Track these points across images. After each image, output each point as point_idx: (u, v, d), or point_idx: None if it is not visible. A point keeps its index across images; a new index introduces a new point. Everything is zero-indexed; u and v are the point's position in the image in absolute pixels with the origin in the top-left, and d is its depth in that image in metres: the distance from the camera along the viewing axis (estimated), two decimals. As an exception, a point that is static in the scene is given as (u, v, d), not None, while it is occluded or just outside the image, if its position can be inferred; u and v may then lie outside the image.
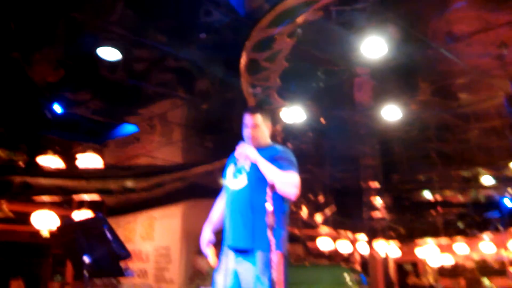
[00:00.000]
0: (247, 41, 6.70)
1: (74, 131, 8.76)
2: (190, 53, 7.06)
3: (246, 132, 3.44)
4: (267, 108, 7.70)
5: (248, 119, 3.45)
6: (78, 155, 8.79)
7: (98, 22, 6.40)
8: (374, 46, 7.23)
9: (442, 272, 16.86)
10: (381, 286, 12.05)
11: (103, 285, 10.98)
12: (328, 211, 12.92)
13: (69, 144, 9.51)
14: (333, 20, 6.94)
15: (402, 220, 14.76)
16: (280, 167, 3.14)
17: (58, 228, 4.46)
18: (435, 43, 7.54)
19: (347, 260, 14.59)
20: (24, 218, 9.60)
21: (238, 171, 3.39)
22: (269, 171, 3.12)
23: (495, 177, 12.94)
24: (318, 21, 6.84)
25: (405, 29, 7.25)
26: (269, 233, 2.88)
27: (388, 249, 14.12)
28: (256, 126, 3.43)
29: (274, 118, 7.52)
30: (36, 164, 8.73)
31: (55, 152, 8.74)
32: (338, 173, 11.70)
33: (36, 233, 9.50)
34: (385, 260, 13.26)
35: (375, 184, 12.08)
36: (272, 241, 2.87)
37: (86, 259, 3.83)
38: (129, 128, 9.03)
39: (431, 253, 15.71)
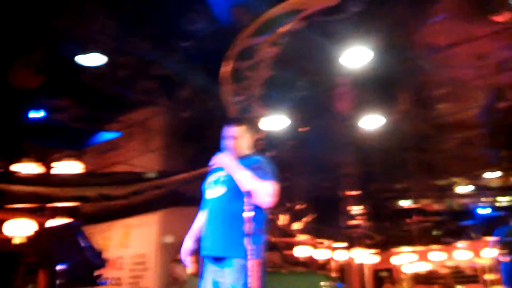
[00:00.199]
0: (230, 50, 6.68)
1: (53, 137, 8.58)
2: (172, 61, 7.00)
3: (226, 143, 3.49)
4: (248, 117, 7.69)
5: (227, 130, 3.52)
6: (55, 163, 8.61)
7: (80, 30, 6.30)
8: (355, 56, 7.29)
9: (417, 279, 17.07)
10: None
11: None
12: (306, 219, 12.93)
13: (47, 151, 9.29)
14: (316, 30, 6.96)
15: (379, 228, 14.85)
16: (258, 176, 3.17)
17: (31, 236, 4.36)
18: (416, 54, 7.62)
19: (324, 267, 14.60)
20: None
21: (217, 180, 3.42)
22: (245, 180, 3.16)
23: (470, 186, 13.16)
24: (301, 30, 6.86)
25: (386, 40, 7.31)
26: (246, 241, 2.95)
27: (365, 256, 14.22)
28: (236, 137, 3.50)
29: (254, 127, 7.51)
30: (11, 171, 8.52)
31: (32, 159, 8.55)
32: (317, 182, 11.70)
33: (7, 241, 9.25)
34: (361, 267, 13.34)
35: (353, 193, 12.16)
36: (249, 248, 2.93)
37: (60, 267, 3.74)
38: (108, 135, 8.90)
39: (407, 260, 15.88)
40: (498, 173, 12.42)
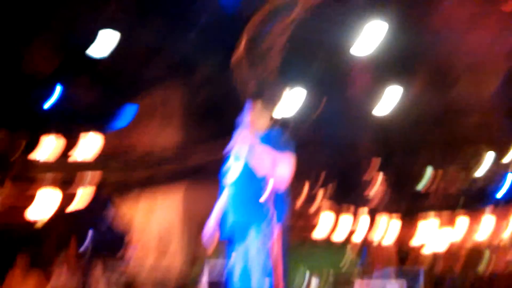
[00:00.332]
0: (247, 26, 6.68)
1: (72, 119, 8.75)
2: (189, 39, 7.03)
3: (245, 119, 3.56)
4: (266, 93, 7.70)
5: (246, 106, 3.60)
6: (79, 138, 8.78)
7: (95, 9, 6.36)
8: (373, 31, 7.19)
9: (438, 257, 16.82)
10: (379, 266, 12.20)
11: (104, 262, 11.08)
12: (328, 188, 13.00)
13: (69, 127, 9.47)
14: (334, 5, 6.89)
15: (402, 197, 14.77)
16: (277, 150, 3.29)
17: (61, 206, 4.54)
18: (435, 28, 7.46)
19: (347, 240, 14.65)
20: (27, 198, 9.66)
21: (236, 159, 3.50)
22: (264, 155, 3.27)
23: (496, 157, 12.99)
24: (319, 5, 6.80)
25: (405, 13, 7.18)
26: (270, 208, 3.11)
27: (389, 225, 14.24)
28: (254, 113, 3.57)
29: (273, 103, 7.52)
30: (37, 145, 8.74)
31: (57, 133, 8.74)
32: (338, 152, 11.68)
33: (38, 211, 9.55)
34: (384, 240, 13.38)
35: (376, 161, 12.15)
36: (273, 215, 3.11)
37: (90, 234, 3.92)
38: (127, 115, 9.02)
39: (433, 228, 15.76)
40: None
